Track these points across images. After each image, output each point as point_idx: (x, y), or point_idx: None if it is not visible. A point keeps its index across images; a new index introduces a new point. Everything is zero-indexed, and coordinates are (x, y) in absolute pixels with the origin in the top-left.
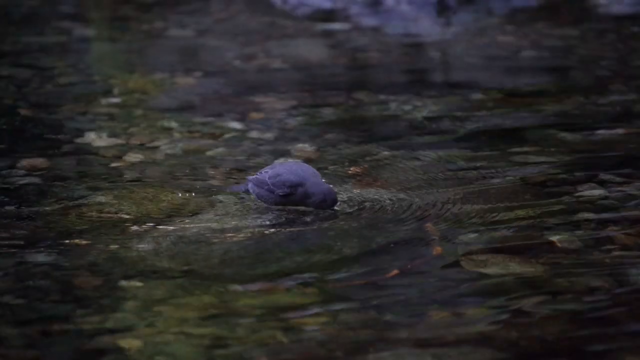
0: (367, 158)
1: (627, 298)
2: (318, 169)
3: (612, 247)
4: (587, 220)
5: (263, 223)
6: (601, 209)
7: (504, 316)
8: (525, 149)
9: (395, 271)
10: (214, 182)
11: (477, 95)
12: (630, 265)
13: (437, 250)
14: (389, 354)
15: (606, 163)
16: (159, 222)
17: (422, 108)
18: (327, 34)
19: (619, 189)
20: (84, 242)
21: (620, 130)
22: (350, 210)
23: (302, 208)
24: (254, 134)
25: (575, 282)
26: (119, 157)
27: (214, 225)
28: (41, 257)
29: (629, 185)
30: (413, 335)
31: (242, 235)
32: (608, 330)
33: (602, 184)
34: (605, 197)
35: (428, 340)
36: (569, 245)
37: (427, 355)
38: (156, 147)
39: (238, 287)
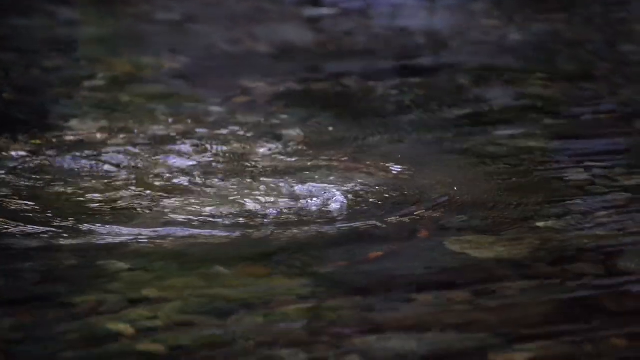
0: (355, 142)
1: (612, 283)
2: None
3: (598, 231)
4: (573, 204)
5: (249, 207)
6: (587, 194)
7: (489, 300)
8: (511, 132)
9: (379, 252)
10: (200, 165)
11: (463, 80)
12: (615, 250)
13: (423, 233)
14: (374, 338)
15: (592, 147)
16: (144, 205)
17: (409, 92)
18: (314, 18)
19: (605, 173)
20: (69, 225)
21: (605, 115)
22: (336, 194)
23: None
24: (240, 118)
25: (561, 266)
26: (104, 141)
27: (198, 206)
28: (26, 240)
29: (614, 169)
30: (398, 318)
31: (228, 218)
32: (593, 315)
33: (588, 168)
34: (592, 182)
35: (413, 324)
36: (554, 229)
37: (412, 339)
38: (142, 131)
39: (224, 270)
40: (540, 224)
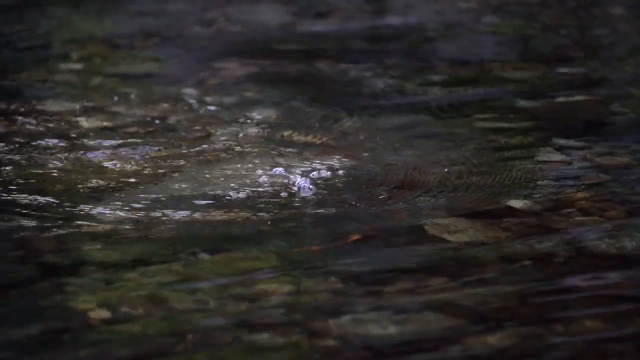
0: (329, 124)
1: (585, 264)
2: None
3: (572, 212)
4: (547, 185)
5: (223, 188)
6: (561, 175)
7: (464, 283)
8: (486, 115)
9: (356, 236)
10: (174, 148)
11: (438, 62)
12: (589, 231)
13: (398, 217)
14: (350, 320)
15: (565, 129)
16: (119, 188)
17: (384, 75)
18: None
19: (578, 154)
20: (44, 207)
21: (579, 97)
22: (311, 178)
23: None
24: (213, 100)
25: (535, 248)
26: (77, 124)
27: (174, 190)
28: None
29: (587, 150)
30: (374, 302)
31: (201, 201)
32: (567, 296)
33: (561, 149)
34: (565, 163)
35: (389, 307)
36: (530, 211)
37: (388, 322)
38: (115, 113)
39: (202, 254)
40: (516, 205)
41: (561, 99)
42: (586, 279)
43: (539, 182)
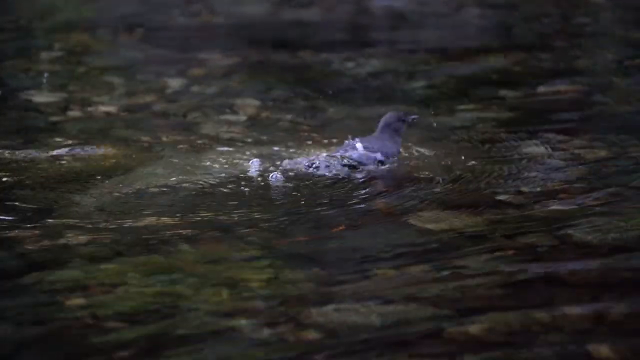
0: (312, 114)
1: (568, 254)
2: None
3: (554, 203)
4: (530, 177)
5: (206, 179)
6: (544, 166)
7: (447, 273)
8: (469, 105)
9: (341, 226)
10: (158, 138)
11: (421, 52)
12: (571, 222)
13: (383, 208)
14: (333, 309)
15: (548, 120)
16: (102, 178)
17: (366, 65)
18: None
19: (561, 145)
20: (27, 198)
21: (562, 87)
22: (296, 167)
23: None
24: (197, 90)
25: (518, 238)
26: (61, 114)
27: (158, 180)
28: None
29: (570, 142)
30: (357, 292)
31: (185, 191)
32: (549, 286)
33: (544, 140)
34: (548, 154)
35: (372, 297)
36: (512, 202)
37: (371, 312)
38: (99, 103)
39: (182, 244)
40: (498, 197)
41: (543, 89)
42: (567, 269)
43: (522, 174)
